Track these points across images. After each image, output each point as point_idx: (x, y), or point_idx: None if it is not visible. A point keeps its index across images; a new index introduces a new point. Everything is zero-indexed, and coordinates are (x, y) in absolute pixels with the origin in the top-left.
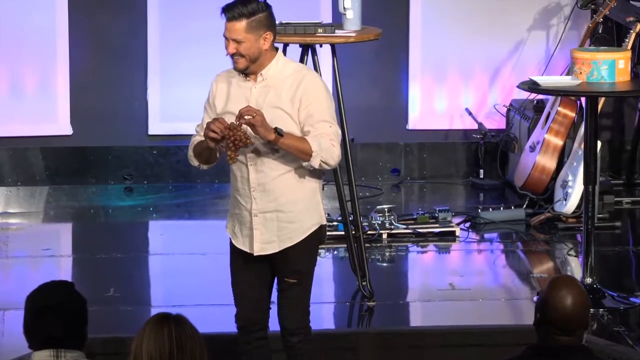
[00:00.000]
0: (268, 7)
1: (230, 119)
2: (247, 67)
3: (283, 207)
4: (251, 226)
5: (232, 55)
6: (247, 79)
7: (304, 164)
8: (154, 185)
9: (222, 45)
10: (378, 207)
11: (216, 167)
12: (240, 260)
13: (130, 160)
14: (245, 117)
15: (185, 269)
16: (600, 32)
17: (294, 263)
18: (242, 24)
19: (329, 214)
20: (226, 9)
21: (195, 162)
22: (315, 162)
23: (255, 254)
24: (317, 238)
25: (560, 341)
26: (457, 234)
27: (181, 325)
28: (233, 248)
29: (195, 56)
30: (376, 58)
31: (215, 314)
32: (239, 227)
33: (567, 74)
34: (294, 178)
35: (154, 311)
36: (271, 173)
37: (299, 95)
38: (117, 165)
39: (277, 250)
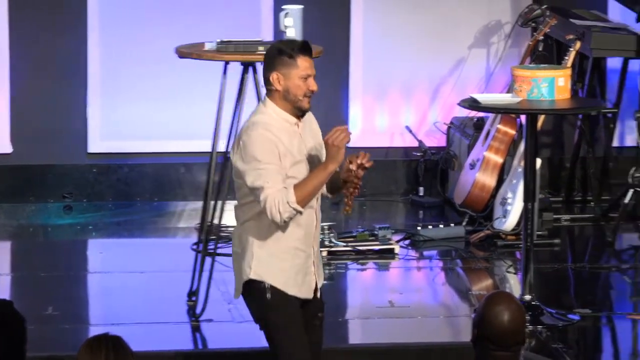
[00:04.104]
0: None
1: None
2: None
3: (319, 240)
4: (311, 270)
5: (312, 93)
6: (295, 124)
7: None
8: (93, 203)
9: (161, 65)
10: None
11: (154, 184)
12: (299, 314)
13: (69, 179)
14: (367, 163)
15: (124, 287)
16: (540, 50)
17: (322, 296)
18: None
19: None
20: (307, 47)
21: (301, 209)
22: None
23: (318, 295)
24: None
25: (497, 357)
26: (396, 251)
27: (117, 346)
28: (290, 302)
29: (135, 75)
30: (317, 76)
31: (153, 332)
32: (293, 278)
33: (508, 92)
34: None
35: (92, 329)
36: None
37: (319, 132)
38: (56, 183)
39: (320, 286)
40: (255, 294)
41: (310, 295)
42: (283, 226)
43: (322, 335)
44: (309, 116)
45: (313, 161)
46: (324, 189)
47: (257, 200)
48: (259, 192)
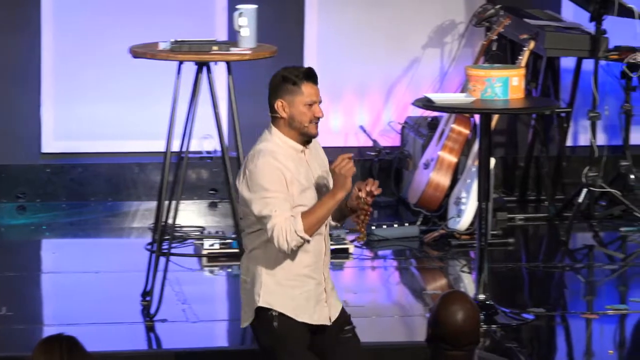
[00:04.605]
0: None
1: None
2: None
3: (329, 267)
4: (322, 297)
5: (318, 120)
6: (301, 151)
7: (339, 224)
8: (47, 203)
9: (115, 65)
10: None
11: (108, 184)
12: (305, 343)
13: (23, 179)
14: (375, 190)
15: (78, 288)
16: (494, 49)
17: (344, 312)
18: None
19: (223, 232)
20: (311, 74)
21: (309, 238)
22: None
23: (332, 322)
24: None
25: (451, 356)
26: (350, 251)
27: (72, 346)
28: (297, 331)
29: (89, 75)
30: (271, 76)
31: (108, 332)
32: (304, 305)
33: (462, 91)
34: None
35: (46, 330)
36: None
37: (326, 158)
38: (10, 183)
39: (339, 311)
40: (263, 322)
41: (324, 322)
42: (291, 253)
43: (357, 345)
44: (315, 143)
45: (320, 188)
46: (330, 218)
47: (265, 229)
48: (266, 220)
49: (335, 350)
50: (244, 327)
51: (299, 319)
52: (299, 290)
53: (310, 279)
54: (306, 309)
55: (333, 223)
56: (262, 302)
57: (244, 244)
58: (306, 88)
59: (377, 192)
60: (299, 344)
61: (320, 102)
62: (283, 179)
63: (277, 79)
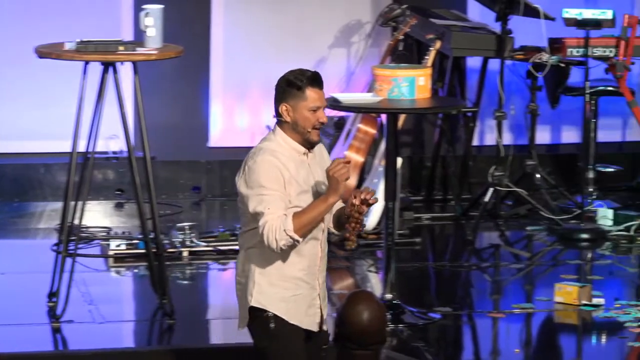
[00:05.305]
0: None
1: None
2: None
3: (324, 273)
4: (316, 303)
5: (321, 125)
6: (303, 154)
7: (338, 232)
8: None
9: (20, 65)
10: (178, 224)
11: (14, 185)
12: (302, 344)
13: None
14: (371, 199)
15: None
16: (400, 49)
17: (327, 328)
18: None
19: (130, 232)
20: (317, 79)
21: (298, 238)
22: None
23: (321, 329)
24: None
25: (357, 356)
26: None
27: None
28: (293, 332)
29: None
30: (178, 76)
31: (13, 333)
32: (295, 307)
33: (368, 91)
34: None
35: None
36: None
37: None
38: None
39: (325, 321)
40: (258, 323)
41: (314, 328)
42: (285, 255)
43: None
44: (320, 148)
45: (319, 193)
46: (330, 225)
47: (257, 225)
48: (259, 217)
49: None
50: (241, 329)
51: (291, 321)
52: (291, 293)
53: (303, 283)
54: (297, 313)
55: (332, 229)
56: (254, 302)
57: (239, 243)
58: (310, 93)
59: (372, 201)
60: (298, 345)
61: (325, 107)
62: (281, 177)
63: (283, 83)
